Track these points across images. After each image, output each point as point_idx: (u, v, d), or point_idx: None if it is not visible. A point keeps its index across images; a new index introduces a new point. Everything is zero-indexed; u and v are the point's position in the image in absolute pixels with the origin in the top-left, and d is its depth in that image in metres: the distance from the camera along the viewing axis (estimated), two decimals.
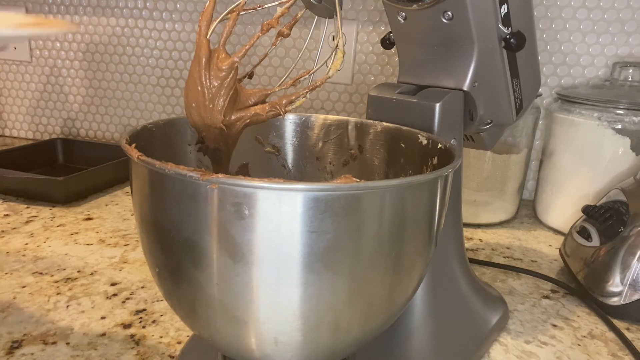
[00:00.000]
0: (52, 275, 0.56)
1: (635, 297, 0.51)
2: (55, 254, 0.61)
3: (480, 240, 0.73)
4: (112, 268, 0.58)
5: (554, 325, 0.52)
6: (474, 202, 0.78)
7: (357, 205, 0.26)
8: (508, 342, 0.48)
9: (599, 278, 0.54)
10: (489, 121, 0.47)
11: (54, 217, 0.72)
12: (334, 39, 0.43)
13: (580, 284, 0.57)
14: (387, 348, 0.42)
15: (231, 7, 0.35)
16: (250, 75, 0.40)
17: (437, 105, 0.42)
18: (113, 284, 0.55)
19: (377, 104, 0.45)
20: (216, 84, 0.34)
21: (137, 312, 0.50)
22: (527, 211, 0.86)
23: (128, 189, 0.86)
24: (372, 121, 0.44)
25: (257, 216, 0.25)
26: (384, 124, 0.43)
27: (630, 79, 0.73)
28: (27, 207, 0.75)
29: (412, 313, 0.43)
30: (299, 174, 0.47)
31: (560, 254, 0.64)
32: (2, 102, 1.17)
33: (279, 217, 0.25)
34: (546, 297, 0.57)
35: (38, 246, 0.63)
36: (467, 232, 0.76)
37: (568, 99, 0.73)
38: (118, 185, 0.87)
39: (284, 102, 0.36)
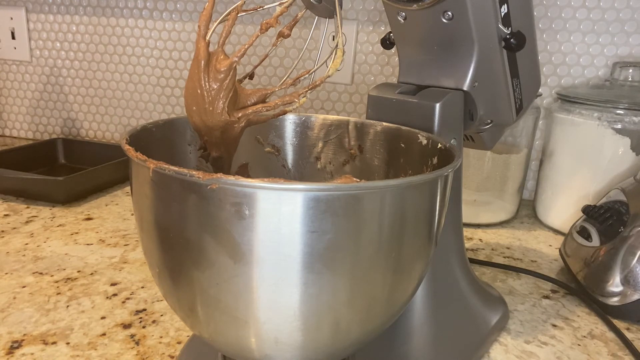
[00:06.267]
0: (52, 275, 0.56)
1: (635, 297, 0.51)
2: (55, 254, 0.61)
3: (480, 240, 0.73)
4: (112, 268, 0.58)
5: (554, 325, 0.52)
6: (474, 202, 0.78)
7: (357, 205, 0.26)
8: (508, 342, 0.48)
9: (599, 278, 0.54)
10: (489, 121, 0.47)
11: (54, 217, 0.72)
12: (334, 39, 0.43)
13: (580, 284, 0.57)
14: (387, 348, 0.42)
15: (230, 8, 0.35)
16: (250, 76, 0.40)
17: (437, 105, 0.42)
18: (113, 284, 0.55)
19: (377, 104, 0.45)
20: (215, 86, 0.33)
21: (137, 312, 0.50)
22: (527, 211, 0.86)
23: (128, 189, 0.86)
24: (372, 121, 0.44)
25: (257, 216, 0.25)
26: (384, 124, 0.43)
27: (630, 79, 0.73)
28: (27, 207, 0.75)
29: (412, 313, 0.43)
30: (299, 174, 0.47)
31: (560, 254, 0.64)
32: (2, 102, 1.17)
33: (279, 217, 0.25)
34: (546, 297, 0.57)
35: (38, 246, 0.63)
36: (467, 232, 0.75)
37: (568, 99, 0.73)
38: (118, 185, 0.87)
39: (299, 93, 0.35)
